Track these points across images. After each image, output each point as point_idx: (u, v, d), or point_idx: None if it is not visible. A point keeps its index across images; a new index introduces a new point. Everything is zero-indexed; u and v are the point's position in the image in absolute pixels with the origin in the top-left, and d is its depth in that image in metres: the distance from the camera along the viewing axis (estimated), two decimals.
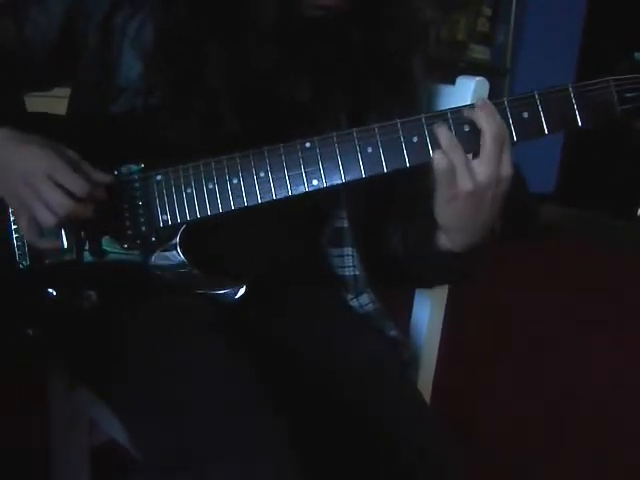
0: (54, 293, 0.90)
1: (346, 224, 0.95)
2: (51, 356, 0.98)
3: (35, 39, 0.91)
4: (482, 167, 0.77)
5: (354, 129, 0.80)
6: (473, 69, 3.41)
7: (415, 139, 0.79)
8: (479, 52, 3.73)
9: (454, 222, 0.83)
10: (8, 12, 0.92)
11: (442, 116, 0.78)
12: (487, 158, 0.77)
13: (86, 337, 0.90)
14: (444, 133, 0.77)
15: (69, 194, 0.80)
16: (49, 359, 1.00)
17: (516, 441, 1.81)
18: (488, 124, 0.76)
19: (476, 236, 0.85)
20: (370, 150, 0.79)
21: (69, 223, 0.83)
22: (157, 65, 0.86)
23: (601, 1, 3.91)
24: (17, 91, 0.97)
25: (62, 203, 0.80)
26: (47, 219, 0.82)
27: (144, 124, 0.87)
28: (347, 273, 0.96)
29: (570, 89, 0.76)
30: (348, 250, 0.95)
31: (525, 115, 0.77)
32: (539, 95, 0.77)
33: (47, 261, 0.91)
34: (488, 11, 3.75)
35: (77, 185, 0.81)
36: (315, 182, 0.81)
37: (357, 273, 0.95)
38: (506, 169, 0.78)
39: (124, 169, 0.88)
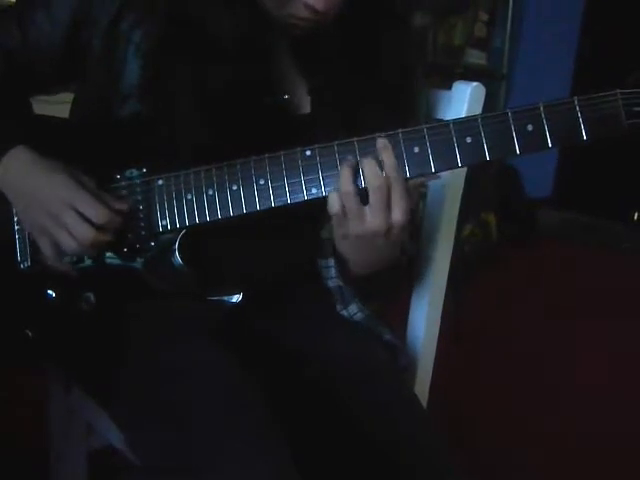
0: (53, 294, 0.91)
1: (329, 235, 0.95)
2: (49, 358, 0.98)
3: (40, 43, 0.91)
4: (370, 217, 0.78)
5: (355, 138, 0.79)
6: (470, 74, 3.42)
7: (416, 149, 0.78)
8: (476, 57, 3.73)
9: (348, 255, 0.87)
10: (13, 17, 0.92)
11: (444, 127, 0.77)
12: (374, 208, 0.78)
13: (84, 339, 0.90)
14: (344, 177, 0.78)
15: (91, 222, 0.82)
16: (47, 361, 1.00)
17: (515, 442, 1.81)
18: (369, 176, 0.77)
19: (374, 268, 0.88)
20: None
21: (91, 249, 0.85)
22: (148, 75, 0.87)
23: (598, 6, 3.92)
24: (23, 95, 0.98)
25: (86, 232, 0.82)
26: (72, 246, 0.84)
27: (146, 129, 0.88)
28: (332, 284, 0.95)
29: (576, 102, 0.74)
30: (331, 261, 0.95)
31: (529, 128, 0.75)
32: (544, 107, 0.74)
33: (48, 263, 0.91)
34: (485, 16, 3.75)
35: (100, 215, 0.83)
36: (314, 191, 0.81)
37: (341, 284, 0.95)
38: (397, 217, 0.78)
39: (126, 173, 0.88)
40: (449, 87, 1.03)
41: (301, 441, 0.78)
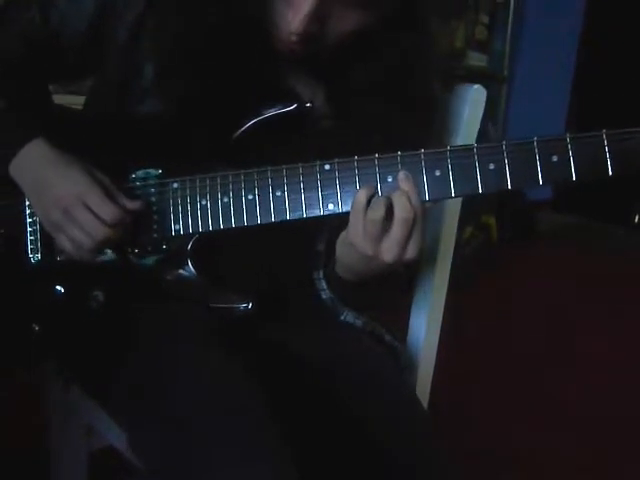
0: (62, 290, 0.91)
1: (322, 247, 0.93)
2: (52, 355, 0.98)
3: (62, 31, 0.91)
4: (387, 248, 0.76)
5: (376, 155, 0.78)
6: (470, 76, 3.42)
7: (437, 173, 0.76)
8: (476, 59, 3.74)
9: (343, 259, 0.84)
10: (34, 2, 0.91)
11: (467, 150, 0.75)
12: (394, 242, 0.75)
13: (88, 337, 0.90)
14: (377, 205, 0.75)
15: (102, 219, 0.83)
16: (49, 358, 1.00)
17: (516, 443, 1.81)
18: (399, 208, 0.75)
19: (362, 278, 0.85)
20: (390, 180, 0.77)
21: (103, 245, 0.85)
22: (169, 72, 0.87)
23: (599, 8, 3.92)
24: (44, 81, 0.98)
25: (97, 229, 0.83)
26: (85, 242, 0.84)
27: (164, 129, 0.87)
28: (324, 296, 0.94)
29: (604, 135, 0.70)
30: (321, 273, 0.94)
31: (554, 159, 0.72)
32: (571, 138, 0.72)
33: (58, 258, 0.91)
34: (486, 19, 3.76)
35: (111, 213, 0.83)
36: (331, 206, 0.79)
37: (332, 296, 0.94)
38: (411, 253, 0.76)
39: (142, 173, 0.88)
40: (450, 90, 1.03)
41: (302, 442, 0.78)
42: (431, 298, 1.09)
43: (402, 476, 0.81)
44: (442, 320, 1.11)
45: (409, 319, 1.12)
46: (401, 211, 0.75)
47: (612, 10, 3.84)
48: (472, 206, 3.01)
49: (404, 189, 0.76)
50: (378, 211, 0.75)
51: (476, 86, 1.01)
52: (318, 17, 0.79)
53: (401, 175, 0.76)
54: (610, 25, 3.84)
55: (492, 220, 3.29)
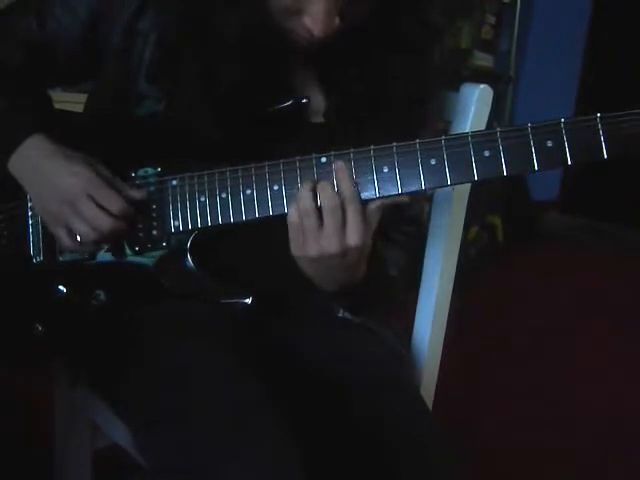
0: (64, 290, 0.91)
1: None
2: (56, 355, 0.98)
3: (58, 36, 0.92)
4: (325, 240, 0.77)
5: (371, 147, 0.78)
6: (476, 76, 3.42)
7: (433, 161, 0.76)
8: (482, 60, 3.73)
9: (304, 270, 0.84)
10: (32, 8, 0.93)
11: (462, 139, 0.76)
12: (329, 232, 0.77)
13: (92, 337, 0.91)
14: (304, 195, 0.77)
15: (107, 211, 0.83)
16: (54, 357, 1.00)
17: (515, 442, 1.81)
18: (322, 198, 0.77)
19: (330, 286, 0.86)
20: (386, 170, 0.78)
21: (108, 237, 0.85)
22: (158, 74, 0.88)
23: (605, 8, 3.92)
24: (42, 87, 0.98)
25: (103, 221, 0.83)
26: (89, 235, 0.84)
27: (163, 129, 0.88)
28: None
29: (598, 119, 0.71)
30: None
31: (549, 144, 0.73)
32: (565, 123, 0.72)
33: (60, 258, 0.92)
34: (492, 19, 3.76)
35: (116, 204, 0.83)
36: None
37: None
38: (353, 239, 0.77)
39: (141, 172, 0.89)
40: (456, 89, 1.02)
41: (305, 441, 0.78)
42: (436, 299, 1.08)
43: (404, 476, 0.81)
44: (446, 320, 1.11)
45: (414, 319, 1.12)
46: (325, 200, 0.77)
47: (618, 10, 3.83)
48: (478, 206, 3.01)
49: (337, 177, 0.77)
50: (309, 201, 0.77)
51: (483, 86, 1.01)
52: (336, 13, 0.80)
53: (336, 165, 0.78)
54: (616, 25, 3.83)
55: (498, 220, 3.29)
